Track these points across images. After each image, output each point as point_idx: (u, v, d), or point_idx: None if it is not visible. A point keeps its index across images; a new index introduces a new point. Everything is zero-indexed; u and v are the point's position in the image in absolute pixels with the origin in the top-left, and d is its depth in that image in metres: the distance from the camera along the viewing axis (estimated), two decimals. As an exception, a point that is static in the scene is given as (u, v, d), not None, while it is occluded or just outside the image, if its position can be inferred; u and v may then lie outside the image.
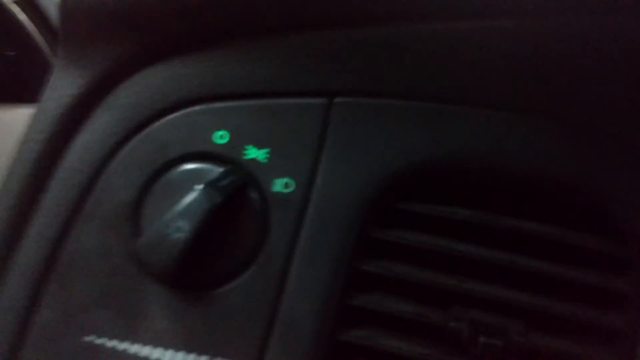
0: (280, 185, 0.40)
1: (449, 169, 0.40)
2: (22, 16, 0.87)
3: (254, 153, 0.41)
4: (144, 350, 0.39)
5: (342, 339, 0.39)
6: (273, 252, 0.40)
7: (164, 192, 0.41)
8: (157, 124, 0.42)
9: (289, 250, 0.40)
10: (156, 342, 0.39)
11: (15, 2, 0.86)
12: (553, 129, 0.39)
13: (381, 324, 0.40)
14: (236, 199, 0.39)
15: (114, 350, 0.39)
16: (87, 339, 0.40)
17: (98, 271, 0.40)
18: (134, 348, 0.39)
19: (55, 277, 0.41)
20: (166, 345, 0.39)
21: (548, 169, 0.39)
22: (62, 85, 0.42)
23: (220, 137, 0.41)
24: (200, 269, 0.39)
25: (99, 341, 0.39)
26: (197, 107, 0.41)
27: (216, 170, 0.40)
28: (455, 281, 0.39)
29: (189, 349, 0.39)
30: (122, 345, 0.39)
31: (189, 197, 0.38)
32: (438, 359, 0.38)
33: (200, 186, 0.39)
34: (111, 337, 0.39)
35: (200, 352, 0.39)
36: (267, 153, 0.40)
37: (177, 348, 0.39)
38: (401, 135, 0.40)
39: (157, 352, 0.39)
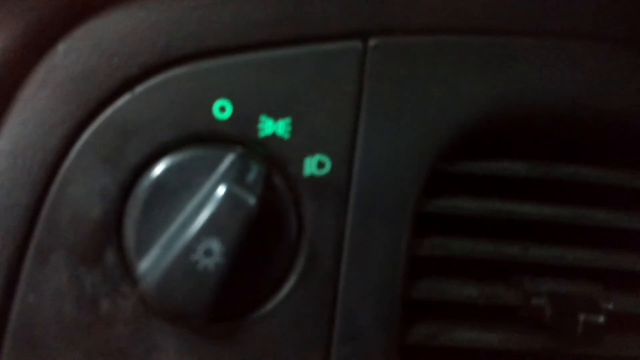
0: (312, 165, 0.30)
1: (513, 116, 0.32)
2: None
3: (270, 126, 0.29)
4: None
5: (411, 342, 0.32)
6: (314, 253, 0.30)
7: (152, 197, 0.29)
8: (123, 100, 0.29)
9: (334, 248, 0.30)
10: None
11: None
12: (631, 57, 0.32)
13: (446, 312, 0.33)
14: (266, 194, 0.29)
15: None
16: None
17: (75, 329, 0.29)
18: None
19: (9, 346, 0.28)
20: None
21: (628, 104, 0.33)
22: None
23: (220, 109, 0.29)
24: (234, 296, 0.29)
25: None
26: (178, 70, 0.29)
27: (223, 156, 0.29)
28: (518, 248, 0.33)
29: None
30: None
31: (211, 205, 0.27)
32: (521, 345, 0.32)
33: (219, 186, 0.27)
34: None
35: None
36: (288, 124, 0.30)
37: None
38: (457, 80, 0.31)
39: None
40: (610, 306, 0.33)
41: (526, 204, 0.33)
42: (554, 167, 0.33)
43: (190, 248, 0.27)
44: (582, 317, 0.32)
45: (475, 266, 0.33)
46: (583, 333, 0.32)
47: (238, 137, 0.29)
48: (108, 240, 0.29)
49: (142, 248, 0.28)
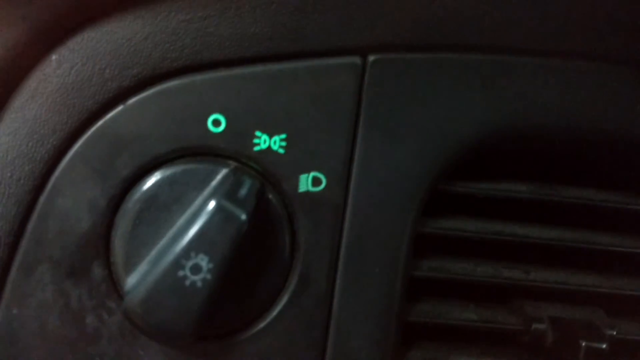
0: (307, 182, 0.29)
1: (513, 135, 0.31)
2: None
3: (265, 141, 0.29)
4: None
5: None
6: (308, 272, 0.29)
7: (142, 211, 0.28)
8: (115, 113, 0.28)
9: (328, 268, 0.30)
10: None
11: None
12: (634, 77, 0.32)
13: (444, 335, 0.32)
14: (258, 210, 0.28)
15: None
16: None
17: (59, 344, 0.28)
18: None
19: None
20: None
21: (628, 123, 0.32)
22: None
23: (214, 122, 0.29)
24: (222, 314, 0.28)
25: None
26: (172, 82, 0.28)
27: (216, 171, 0.28)
28: (520, 272, 0.32)
29: None
30: None
31: (200, 220, 0.26)
32: None
33: (210, 201, 0.27)
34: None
35: None
36: (283, 140, 0.29)
37: None
38: (457, 98, 0.30)
39: None
40: (614, 332, 0.32)
41: (528, 226, 0.32)
42: (557, 189, 0.32)
43: (177, 264, 0.26)
44: (584, 343, 0.31)
45: (475, 289, 0.33)
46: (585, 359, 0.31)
47: (232, 151, 0.29)
48: (95, 254, 0.28)
49: (130, 263, 0.28)
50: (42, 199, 0.28)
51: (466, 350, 0.32)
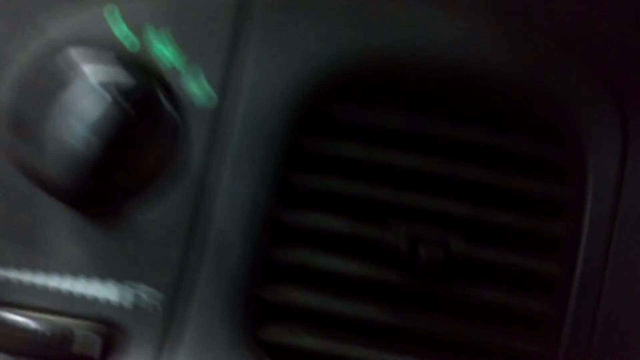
0: (195, 87, 0.33)
1: (384, 66, 0.34)
2: None
3: (154, 41, 0.33)
4: (52, 279, 0.33)
5: (275, 258, 0.34)
6: (189, 166, 0.33)
7: (41, 85, 0.32)
8: None
9: (207, 165, 0.33)
10: (64, 270, 0.33)
11: None
12: (499, 26, 0.34)
13: (315, 242, 0.35)
14: (147, 104, 0.32)
15: (16, 282, 0.33)
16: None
17: None
18: (40, 278, 0.33)
19: None
20: (75, 273, 0.33)
21: (492, 69, 0.34)
22: None
23: (109, 13, 0.32)
24: (108, 187, 0.32)
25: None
26: None
27: (108, 60, 0.32)
28: (391, 193, 0.35)
29: (102, 275, 0.33)
30: (25, 276, 0.33)
31: (98, 107, 0.30)
32: (377, 275, 0.34)
33: (106, 94, 0.30)
34: (9, 267, 0.33)
35: (116, 278, 0.33)
36: (175, 49, 0.33)
37: (88, 275, 0.33)
38: (331, 25, 0.34)
39: (66, 281, 0.33)
40: (459, 249, 0.34)
41: (399, 152, 0.35)
42: (435, 123, 0.35)
43: (74, 135, 0.30)
44: (423, 252, 0.33)
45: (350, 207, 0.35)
46: (425, 267, 0.34)
47: (125, 45, 0.33)
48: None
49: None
50: None
51: (333, 254, 0.35)
